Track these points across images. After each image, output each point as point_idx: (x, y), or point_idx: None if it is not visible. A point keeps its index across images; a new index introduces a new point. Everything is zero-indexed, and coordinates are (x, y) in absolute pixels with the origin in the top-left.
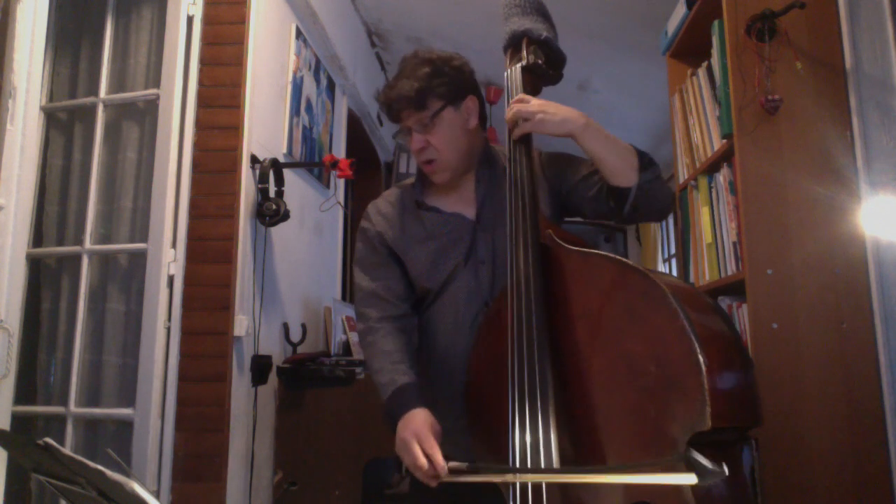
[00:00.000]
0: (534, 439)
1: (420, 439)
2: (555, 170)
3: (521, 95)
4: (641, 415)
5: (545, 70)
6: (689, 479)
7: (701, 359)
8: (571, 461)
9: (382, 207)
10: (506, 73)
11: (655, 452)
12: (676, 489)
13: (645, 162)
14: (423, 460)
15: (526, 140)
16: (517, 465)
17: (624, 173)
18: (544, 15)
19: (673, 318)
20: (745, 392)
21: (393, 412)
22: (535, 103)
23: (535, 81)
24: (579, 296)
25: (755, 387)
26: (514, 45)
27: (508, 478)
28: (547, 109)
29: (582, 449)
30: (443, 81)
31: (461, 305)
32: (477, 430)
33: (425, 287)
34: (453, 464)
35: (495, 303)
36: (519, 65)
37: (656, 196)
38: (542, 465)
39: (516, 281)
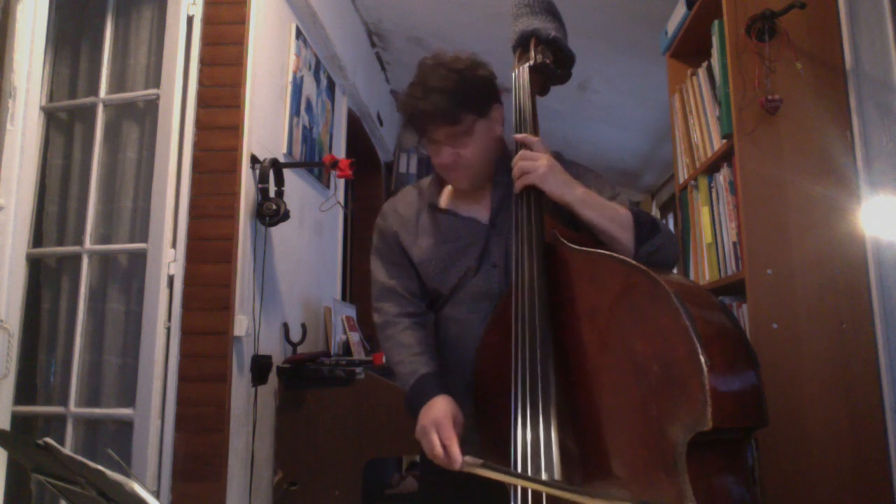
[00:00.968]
0: (535, 437)
1: (439, 429)
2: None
3: (528, 149)
4: (644, 414)
5: (553, 70)
6: None
7: (702, 359)
8: (574, 459)
9: (399, 207)
10: (514, 73)
11: (657, 452)
12: (679, 491)
13: (644, 233)
14: (439, 450)
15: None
16: (519, 461)
17: (623, 247)
18: (554, 14)
19: (675, 318)
20: (748, 392)
21: (414, 401)
22: (543, 161)
23: (543, 81)
24: (583, 295)
25: (760, 387)
26: (522, 45)
27: (514, 481)
28: (555, 169)
29: (584, 447)
30: (474, 94)
31: (471, 309)
32: (483, 428)
33: (436, 289)
34: (469, 458)
35: (501, 301)
36: (527, 65)
37: (657, 263)
38: (543, 463)
39: (520, 279)
